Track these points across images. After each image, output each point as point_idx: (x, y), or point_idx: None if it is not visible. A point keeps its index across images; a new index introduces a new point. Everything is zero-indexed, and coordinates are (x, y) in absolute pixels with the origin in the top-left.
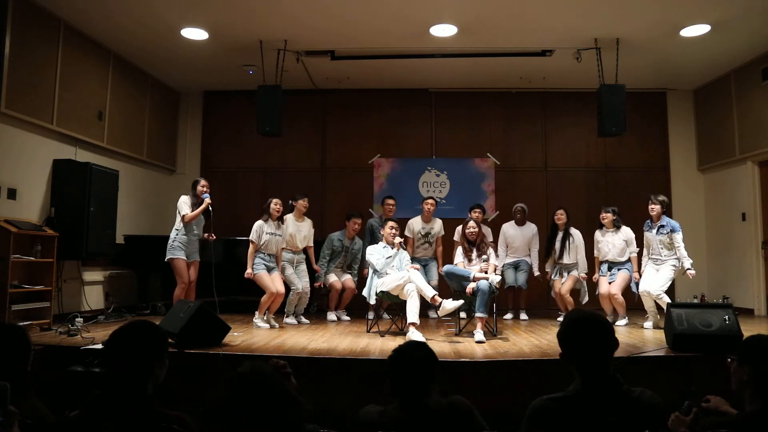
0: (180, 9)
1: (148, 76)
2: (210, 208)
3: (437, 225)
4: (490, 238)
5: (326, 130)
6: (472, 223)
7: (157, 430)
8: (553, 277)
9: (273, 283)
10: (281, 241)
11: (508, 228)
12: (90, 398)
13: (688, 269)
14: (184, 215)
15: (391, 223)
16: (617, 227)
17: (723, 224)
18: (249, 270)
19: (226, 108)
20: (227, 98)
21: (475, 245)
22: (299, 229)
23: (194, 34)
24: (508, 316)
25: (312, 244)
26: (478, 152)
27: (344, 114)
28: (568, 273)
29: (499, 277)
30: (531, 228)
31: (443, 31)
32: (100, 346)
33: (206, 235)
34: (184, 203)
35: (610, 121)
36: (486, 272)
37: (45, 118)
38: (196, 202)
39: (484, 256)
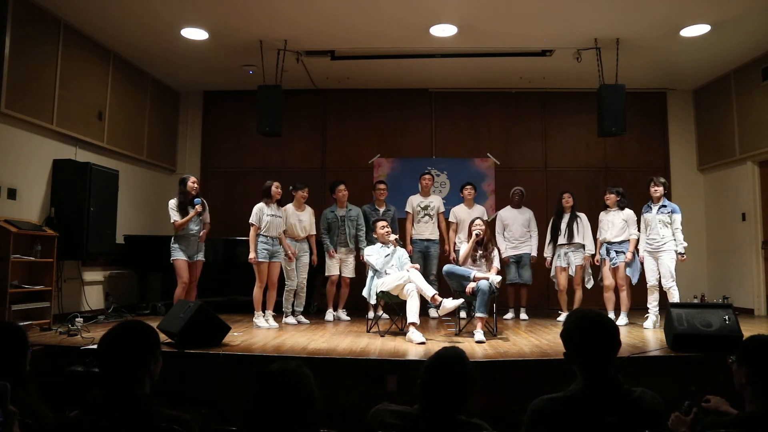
0: (180, 9)
1: (148, 76)
2: (203, 210)
3: (436, 200)
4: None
5: (326, 130)
6: (479, 221)
7: (157, 430)
8: (555, 263)
9: (268, 274)
10: (282, 222)
11: (505, 211)
12: (90, 398)
13: (681, 253)
14: (173, 222)
15: (381, 223)
16: (621, 207)
17: (723, 224)
18: (252, 255)
19: (226, 108)
20: (227, 98)
21: (481, 244)
22: (300, 219)
23: (194, 34)
24: (508, 315)
25: (314, 233)
26: (478, 152)
27: (344, 114)
28: (573, 257)
29: (499, 278)
30: (527, 211)
31: (443, 31)
32: None
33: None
34: (172, 210)
35: (610, 121)
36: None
37: (45, 118)
38: (185, 200)
39: (491, 257)
